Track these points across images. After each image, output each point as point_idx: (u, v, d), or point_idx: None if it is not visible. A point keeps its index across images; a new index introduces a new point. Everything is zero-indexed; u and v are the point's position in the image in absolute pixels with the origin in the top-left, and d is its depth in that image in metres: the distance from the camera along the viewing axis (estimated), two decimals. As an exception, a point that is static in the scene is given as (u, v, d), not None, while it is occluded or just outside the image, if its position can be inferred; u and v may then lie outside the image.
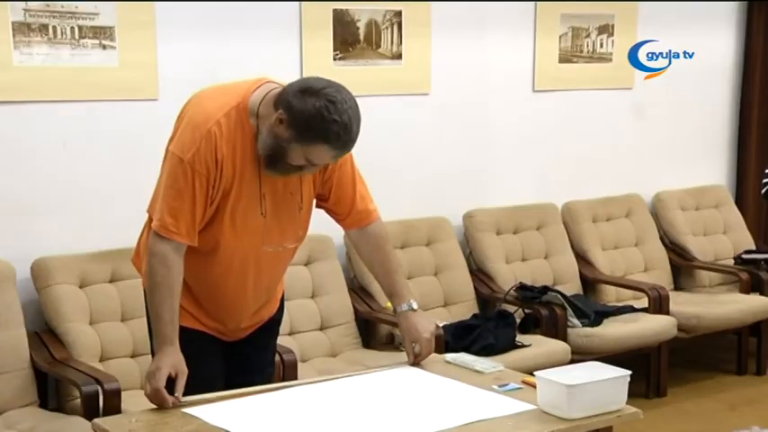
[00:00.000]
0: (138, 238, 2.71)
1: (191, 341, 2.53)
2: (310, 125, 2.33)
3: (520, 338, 4.22)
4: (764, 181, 4.37)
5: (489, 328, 4.18)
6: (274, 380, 2.87)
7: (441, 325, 4.03)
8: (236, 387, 2.60)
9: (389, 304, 2.84)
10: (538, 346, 4.20)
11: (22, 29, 3.61)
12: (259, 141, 2.42)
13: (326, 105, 2.33)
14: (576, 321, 4.44)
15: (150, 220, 2.58)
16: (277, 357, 3.19)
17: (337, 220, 2.72)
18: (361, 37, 4.45)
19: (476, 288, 4.67)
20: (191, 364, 2.47)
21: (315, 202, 2.67)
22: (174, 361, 2.42)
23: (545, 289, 4.53)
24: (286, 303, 2.93)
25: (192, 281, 2.56)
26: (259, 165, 2.46)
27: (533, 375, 2.45)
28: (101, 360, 3.63)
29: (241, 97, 2.45)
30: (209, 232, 2.50)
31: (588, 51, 5.20)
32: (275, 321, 2.80)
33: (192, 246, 2.48)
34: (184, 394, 2.43)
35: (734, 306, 4.92)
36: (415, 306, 2.72)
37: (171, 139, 2.50)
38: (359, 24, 4.44)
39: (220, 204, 2.48)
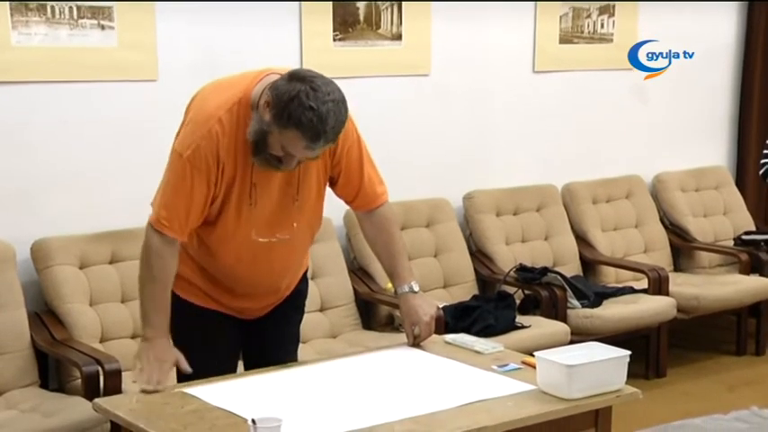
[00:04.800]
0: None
1: (206, 320, 2.57)
2: (287, 107, 2.31)
3: (520, 319, 4.23)
4: (762, 161, 4.36)
5: (489, 309, 4.19)
6: (296, 358, 2.84)
7: (440, 306, 4.03)
8: (254, 364, 2.62)
9: (390, 285, 2.85)
10: (538, 327, 4.21)
11: (19, 8, 3.59)
12: (250, 127, 2.42)
13: (307, 91, 2.31)
14: (575, 302, 4.45)
15: None
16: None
17: (346, 202, 2.74)
18: (361, 18, 4.43)
19: (476, 269, 4.67)
20: (206, 342, 2.53)
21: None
22: (170, 352, 2.50)
23: (545, 270, 4.53)
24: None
25: (208, 267, 2.59)
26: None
27: (533, 356, 2.46)
28: (101, 341, 3.63)
29: (243, 92, 2.45)
30: (218, 223, 2.53)
31: (589, 32, 5.17)
32: (296, 295, 2.78)
33: (204, 237, 2.52)
34: (199, 372, 2.50)
35: (733, 287, 4.93)
36: (416, 288, 2.73)
37: (176, 135, 2.52)
38: (359, 5, 4.42)
39: (226, 197, 2.50)
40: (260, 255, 2.58)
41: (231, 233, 2.54)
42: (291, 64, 4.13)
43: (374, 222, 2.74)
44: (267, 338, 2.73)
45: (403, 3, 4.52)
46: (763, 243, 5.26)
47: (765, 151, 4.34)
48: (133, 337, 3.72)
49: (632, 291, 4.78)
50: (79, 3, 3.71)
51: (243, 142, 2.43)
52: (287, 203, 2.57)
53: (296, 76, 2.35)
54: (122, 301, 3.74)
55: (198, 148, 2.41)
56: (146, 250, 2.51)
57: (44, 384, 3.55)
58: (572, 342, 3.98)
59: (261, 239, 2.56)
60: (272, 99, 2.34)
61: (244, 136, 2.43)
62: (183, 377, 2.65)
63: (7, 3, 3.56)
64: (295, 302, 2.80)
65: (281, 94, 2.32)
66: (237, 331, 2.71)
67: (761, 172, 4.36)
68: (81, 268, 3.69)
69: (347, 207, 2.79)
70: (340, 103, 2.35)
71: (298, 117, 2.30)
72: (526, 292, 4.50)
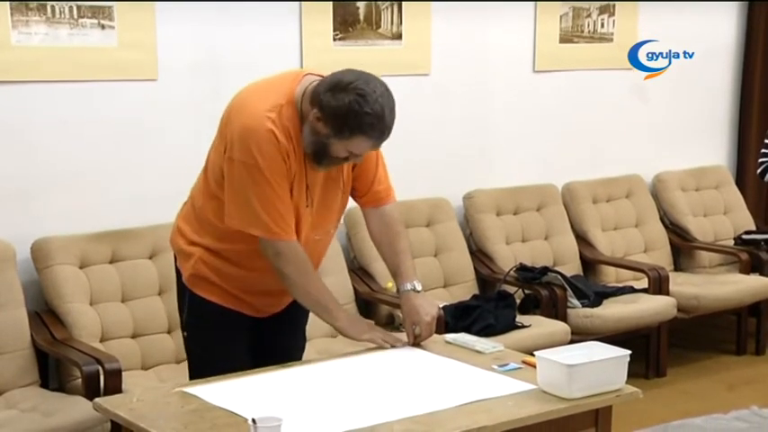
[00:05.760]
0: (175, 218, 2.75)
1: (225, 319, 2.61)
2: (345, 121, 2.40)
3: (520, 319, 4.23)
4: (761, 161, 4.36)
5: (489, 308, 4.18)
6: (301, 358, 2.87)
7: (441, 306, 4.03)
8: (263, 364, 2.63)
9: (390, 284, 2.85)
10: (538, 326, 4.21)
11: (20, 8, 3.59)
12: (303, 139, 2.48)
13: (357, 99, 2.39)
14: (575, 302, 4.45)
15: (189, 201, 2.68)
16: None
17: (355, 197, 2.77)
18: (361, 17, 4.43)
19: (476, 269, 4.67)
20: (224, 340, 2.60)
21: None
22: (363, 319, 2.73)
23: (545, 270, 4.53)
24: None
25: (238, 262, 2.61)
26: (305, 159, 2.52)
27: (533, 355, 2.46)
28: (101, 340, 3.63)
29: (287, 95, 2.49)
30: None
31: (589, 31, 5.17)
32: None
33: (245, 235, 2.52)
34: (216, 370, 2.53)
35: (733, 286, 4.93)
36: (418, 287, 2.74)
37: (230, 148, 2.49)
38: (359, 4, 4.42)
39: None
40: (306, 248, 2.62)
41: None
42: (291, 63, 4.17)
43: (381, 219, 2.78)
44: (278, 339, 2.76)
45: (403, 2, 4.52)
46: (763, 242, 5.26)
47: (763, 150, 4.34)
48: (133, 336, 3.72)
49: (632, 290, 4.78)
50: (79, 2, 3.71)
51: (294, 145, 2.49)
52: (336, 196, 2.66)
53: (339, 87, 2.41)
54: (122, 301, 3.74)
55: (266, 153, 2.45)
56: (281, 265, 2.54)
57: (44, 384, 3.54)
58: (572, 341, 3.99)
59: (316, 237, 2.65)
60: (324, 115, 2.42)
61: (294, 138, 2.48)
62: (196, 375, 2.66)
63: (7, 2, 3.56)
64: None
65: (334, 110, 2.40)
66: (252, 331, 2.73)
67: (759, 170, 4.36)
68: (81, 268, 3.69)
69: (348, 207, 2.80)
70: (386, 93, 2.46)
71: (359, 126, 2.41)
72: (526, 291, 4.50)
